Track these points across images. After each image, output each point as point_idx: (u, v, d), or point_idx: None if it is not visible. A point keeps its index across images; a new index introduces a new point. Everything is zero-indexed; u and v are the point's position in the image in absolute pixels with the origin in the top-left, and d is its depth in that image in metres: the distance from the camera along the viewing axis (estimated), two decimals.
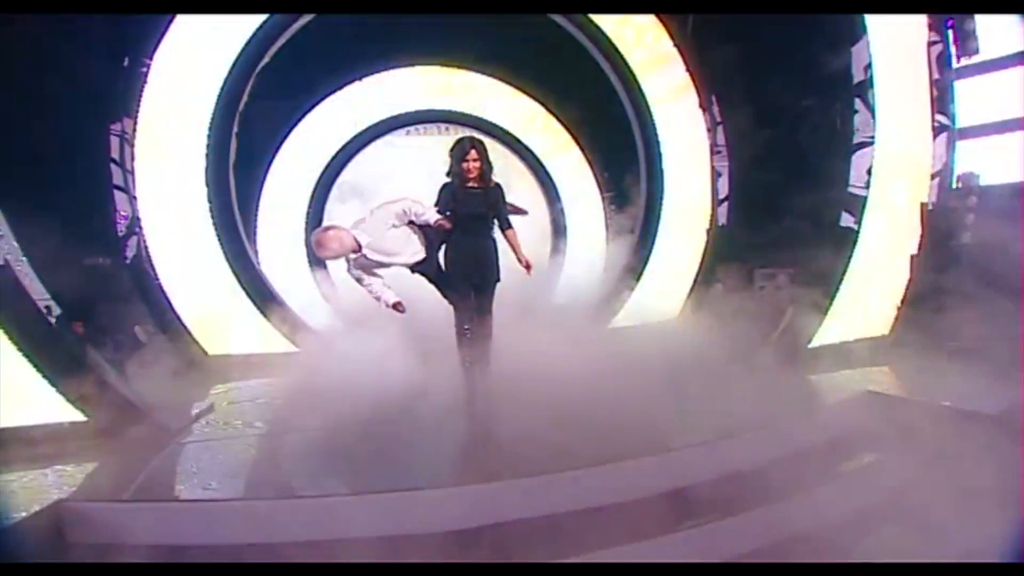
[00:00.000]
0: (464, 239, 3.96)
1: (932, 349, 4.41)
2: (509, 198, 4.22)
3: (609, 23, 6.34)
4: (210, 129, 5.69)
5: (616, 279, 6.92)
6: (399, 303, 3.98)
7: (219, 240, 5.69)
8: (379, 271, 4.03)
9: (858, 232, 4.68)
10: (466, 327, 4.02)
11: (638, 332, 5.98)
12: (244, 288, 5.75)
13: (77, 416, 3.21)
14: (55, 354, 3.15)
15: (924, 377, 4.14)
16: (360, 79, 7.93)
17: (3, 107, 3.64)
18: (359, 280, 4.02)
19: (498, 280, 4.11)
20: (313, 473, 2.97)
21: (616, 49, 6.41)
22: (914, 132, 4.93)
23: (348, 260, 3.95)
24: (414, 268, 4.09)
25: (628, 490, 2.69)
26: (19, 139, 3.90)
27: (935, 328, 4.52)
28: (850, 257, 4.65)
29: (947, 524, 2.50)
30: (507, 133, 8.54)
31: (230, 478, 2.92)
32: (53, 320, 4.27)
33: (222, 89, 5.69)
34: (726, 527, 2.56)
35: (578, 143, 8.47)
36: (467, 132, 6.01)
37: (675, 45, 6.42)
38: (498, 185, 4.13)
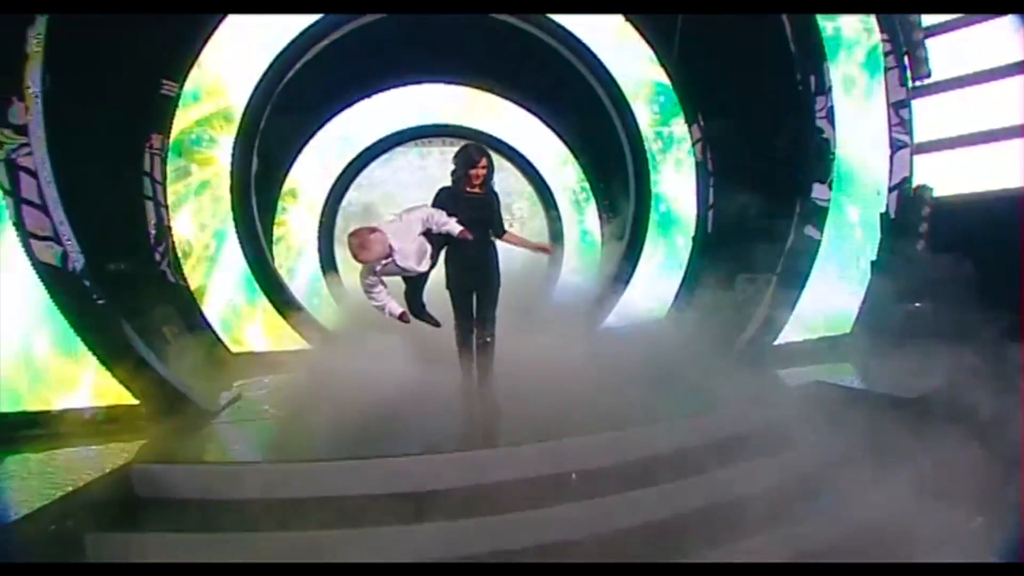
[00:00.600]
0: (466, 245, 3.86)
1: (888, 346, 4.89)
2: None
3: (606, 54, 6.88)
4: (234, 147, 6.28)
5: (608, 283, 7.42)
6: (405, 313, 3.90)
7: (242, 247, 6.25)
8: (387, 279, 3.89)
9: (819, 241, 5.17)
10: (467, 335, 4.03)
11: (625, 331, 6.47)
12: (264, 291, 6.32)
13: (131, 400, 3.78)
14: (114, 347, 3.71)
15: (873, 370, 4.61)
16: (369, 96, 8.45)
17: (67, 120, 4.05)
18: (371, 287, 3.84)
19: (499, 285, 4.12)
20: (328, 443, 3.47)
21: (611, 76, 6.93)
22: (873, 148, 5.42)
23: (376, 265, 3.76)
24: (416, 279, 4.00)
25: (575, 462, 3.17)
26: (77, 151, 4.30)
27: (891, 327, 5.00)
28: (812, 264, 5.14)
29: (857, 495, 2.99)
30: (511, 148, 9.09)
31: (263, 448, 3.48)
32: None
33: (246, 109, 6.27)
34: (640, 496, 3.02)
35: (576, 158, 9.02)
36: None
37: (661, 64, 6.95)
38: (494, 190, 4.19)
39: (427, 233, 3.83)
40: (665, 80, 6.94)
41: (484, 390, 4.12)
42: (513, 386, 4.11)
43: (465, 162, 3.96)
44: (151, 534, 2.69)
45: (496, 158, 8.52)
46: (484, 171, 3.97)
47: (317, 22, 6.19)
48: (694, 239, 6.98)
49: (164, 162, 5.97)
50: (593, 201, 9.07)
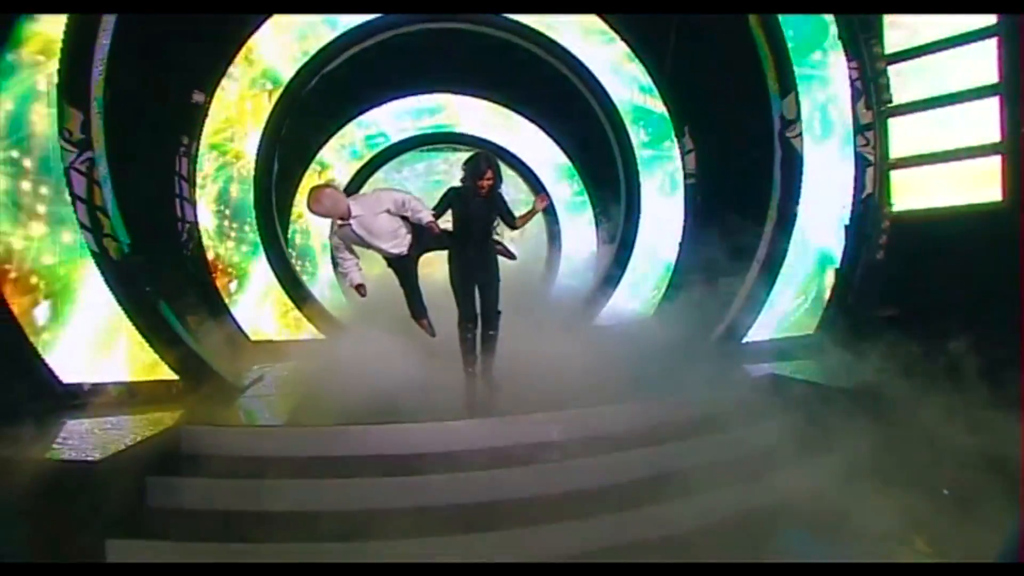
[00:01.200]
0: (469, 243, 4.21)
1: (847, 345, 5.39)
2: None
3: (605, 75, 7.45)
4: (257, 152, 6.87)
5: (600, 284, 7.98)
6: (362, 286, 4.22)
7: (264, 245, 6.85)
8: (357, 249, 4.19)
9: (787, 247, 5.69)
10: (469, 330, 4.25)
11: (613, 329, 7.02)
12: (282, 285, 6.91)
13: (170, 376, 4.37)
14: (158, 330, 4.30)
15: (830, 366, 5.13)
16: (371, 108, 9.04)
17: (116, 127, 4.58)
18: (335, 249, 4.21)
19: (499, 281, 4.38)
20: (340, 414, 4.02)
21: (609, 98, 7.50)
22: (840, 165, 5.94)
23: (333, 225, 4.10)
24: (391, 262, 4.31)
25: (541, 434, 3.74)
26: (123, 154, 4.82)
27: (852, 328, 5.50)
28: (779, 269, 5.67)
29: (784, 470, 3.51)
30: (515, 157, 9.67)
31: (285, 415, 4.09)
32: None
33: (269, 117, 6.86)
34: (580, 465, 3.53)
35: (578, 171, 9.60)
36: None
37: (653, 80, 7.49)
38: (500, 193, 4.40)
39: (407, 220, 4.15)
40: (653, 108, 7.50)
41: (485, 380, 4.37)
42: (501, 372, 4.64)
43: (473, 172, 4.18)
44: (196, 479, 3.28)
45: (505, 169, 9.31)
46: (490, 182, 4.17)
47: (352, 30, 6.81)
48: (680, 245, 7.50)
49: (192, 162, 6.56)
50: (589, 208, 9.62)
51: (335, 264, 4.38)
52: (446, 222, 4.37)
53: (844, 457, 3.55)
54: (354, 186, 9.32)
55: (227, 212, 6.89)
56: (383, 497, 3.27)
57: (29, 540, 2.70)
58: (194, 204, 6.63)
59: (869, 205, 5.92)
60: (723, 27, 6.18)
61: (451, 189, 4.30)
